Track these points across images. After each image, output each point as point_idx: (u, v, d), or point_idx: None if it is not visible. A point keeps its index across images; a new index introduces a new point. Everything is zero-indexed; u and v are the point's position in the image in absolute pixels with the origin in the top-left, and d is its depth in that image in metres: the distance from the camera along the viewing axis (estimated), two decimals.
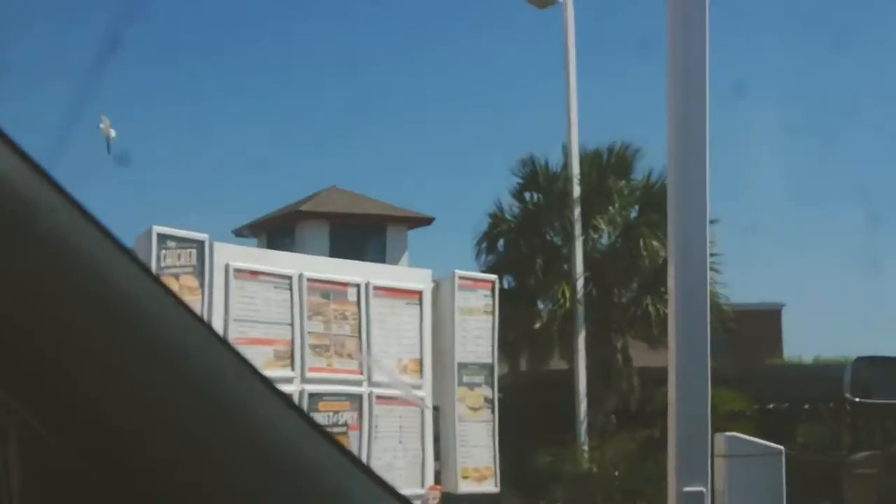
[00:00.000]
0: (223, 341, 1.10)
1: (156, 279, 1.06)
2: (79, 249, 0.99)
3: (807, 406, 22.85)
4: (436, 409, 13.42)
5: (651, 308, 22.84)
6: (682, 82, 7.77)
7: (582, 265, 23.18)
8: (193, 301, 10.88)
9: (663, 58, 7.94)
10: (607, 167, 24.50)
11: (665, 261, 19.59)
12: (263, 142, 43.05)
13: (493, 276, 15.02)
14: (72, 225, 1.00)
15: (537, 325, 23.84)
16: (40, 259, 0.97)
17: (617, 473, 19.81)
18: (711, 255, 11.94)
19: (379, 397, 12.61)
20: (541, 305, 24.37)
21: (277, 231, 28.44)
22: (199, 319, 1.10)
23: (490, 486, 13.61)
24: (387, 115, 45.12)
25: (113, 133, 17.04)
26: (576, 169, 23.59)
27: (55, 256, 0.98)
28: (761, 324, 28.71)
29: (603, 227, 24.31)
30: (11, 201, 0.96)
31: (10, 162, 0.97)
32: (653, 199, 23.28)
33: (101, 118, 17.04)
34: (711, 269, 10.38)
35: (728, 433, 10.03)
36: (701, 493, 7.88)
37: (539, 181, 24.89)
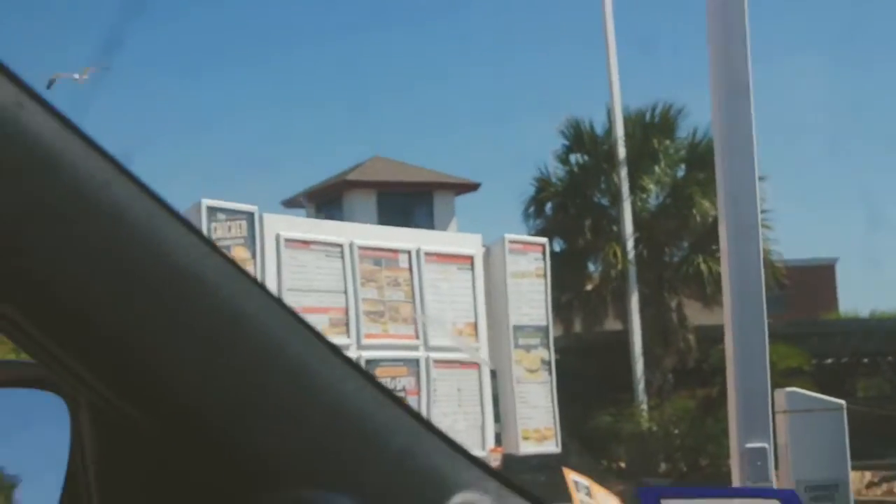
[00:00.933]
0: (284, 306, 1.10)
1: (214, 247, 1.06)
2: (135, 222, 1.00)
3: (865, 360, 22.75)
4: (493, 372, 13.40)
5: (703, 266, 22.97)
6: (723, 39, 7.77)
7: (631, 226, 23.36)
8: None
9: (703, 16, 7.90)
10: (651, 127, 24.59)
11: (714, 219, 19.66)
12: (306, 113, 43.24)
13: (544, 239, 15.01)
14: (127, 198, 1.00)
15: (589, 287, 24.07)
16: (97, 234, 0.98)
17: (677, 432, 19.95)
18: (762, 211, 11.85)
19: (437, 361, 12.64)
20: (591, 267, 24.59)
21: (325, 201, 28.56)
22: (260, 285, 1.09)
23: (551, 447, 13.57)
24: (428, 82, 45.12)
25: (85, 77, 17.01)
26: (620, 130, 23.70)
27: (112, 231, 0.99)
28: (816, 279, 28.58)
29: (650, 187, 24.44)
30: (65, 177, 0.97)
31: (62, 138, 0.97)
32: (699, 157, 23.37)
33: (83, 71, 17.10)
34: (762, 225, 10.31)
35: (788, 389, 9.83)
36: (764, 449, 7.94)
37: (584, 143, 25.00)
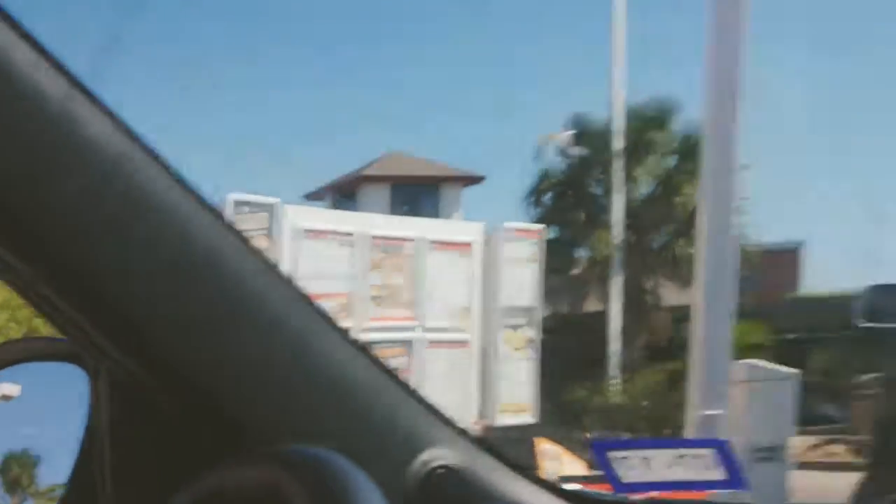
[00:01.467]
0: (291, 286, 1.14)
1: (232, 229, 1.08)
2: (162, 206, 1.01)
3: (821, 335, 23.41)
4: (482, 350, 13.83)
5: (680, 251, 23.62)
6: (718, 40, 7.96)
7: (622, 213, 23.70)
8: None
9: (700, 15, 8.15)
10: (648, 120, 25.01)
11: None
12: (325, 110, 43.74)
13: (540, 226, 15.49)
14: (154, 181, 1.00)
15: (577, 271, 24.96)
16: (126, 215, 0.99)
17: (645, 403, 20.56)
18: (741, 199, 11.45)
19: (431, 342, 13.17)
20: (582, 253, 25.38)
21: (342, 195, 30.09)
22: (273, 267, 1.12)
23: (527, 419, 14.01)
24: (439, 83, 45.02)
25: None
26: (619, 124, 23.94)
27: (142, 213, 1.00)
28: (782, 261, 28.40)
29: (642, 177, 25.06)
30: (97, 160, 0.97)
31: (100, 122, 0.97)
32: (690, 149, 22.84)
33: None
34: (739, 212, 10.42)
35: (746, 360, 10.13)
36: (719, 416, 7.96)
37: (584, 137, 25.62)
